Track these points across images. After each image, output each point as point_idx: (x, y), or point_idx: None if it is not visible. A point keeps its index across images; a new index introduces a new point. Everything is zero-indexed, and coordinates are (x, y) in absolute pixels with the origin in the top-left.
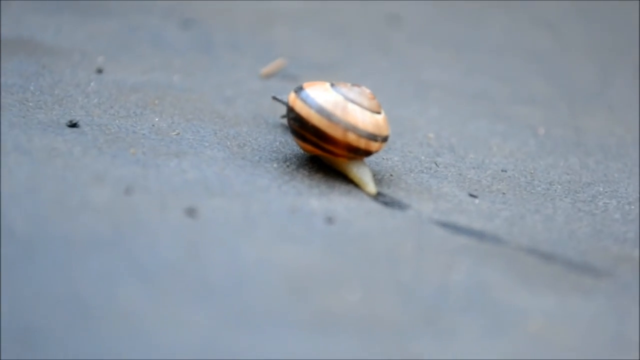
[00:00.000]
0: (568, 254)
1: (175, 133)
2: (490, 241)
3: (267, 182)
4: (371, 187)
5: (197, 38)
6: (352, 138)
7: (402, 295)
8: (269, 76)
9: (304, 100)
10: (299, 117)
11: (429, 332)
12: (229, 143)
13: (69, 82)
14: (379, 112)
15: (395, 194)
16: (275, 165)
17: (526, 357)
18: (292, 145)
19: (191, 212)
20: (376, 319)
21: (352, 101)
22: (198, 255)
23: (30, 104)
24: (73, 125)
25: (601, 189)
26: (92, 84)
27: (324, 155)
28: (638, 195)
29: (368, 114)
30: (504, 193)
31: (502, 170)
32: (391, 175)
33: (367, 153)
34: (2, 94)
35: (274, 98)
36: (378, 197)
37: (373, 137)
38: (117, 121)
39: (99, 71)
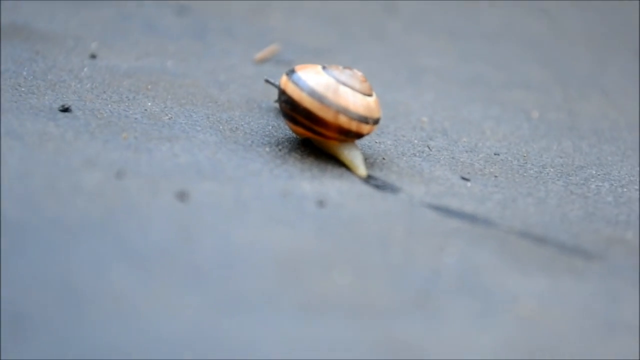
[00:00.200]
0: (560, 236)
1: (167, 117)
2: (482, 224)
3: (259, 166)
4: (362, 170)
5: (192, 24)
6: (343, 120)
7: (394, 278)
8: (262, 61)
9: (296, 83)
10: (290, 100)
11: (421, 316)
12: (221, 127)
13: (62, 67)
14: (370, 95)
15: (387, 177)
16: (267, 149)
17: (518, 339)
18: (284, 129)
19: (182, 196)
20: (367, 302)
21: (344, 84)
22: (189, 239)
23: (23, 89)
24: (65, 110)
25: (594, 172)
26: (85, 69)
27: (315, 137)
28: (630, 178)
29: (359, 96)
30: (496, 176)
31: (495, 154)
32: (383, 158)
33: (359, 135)
34: None
35: (267, 81)
36: (369, 180)
37: (364, 120)
38: (109, 106)
39: (93, 57)
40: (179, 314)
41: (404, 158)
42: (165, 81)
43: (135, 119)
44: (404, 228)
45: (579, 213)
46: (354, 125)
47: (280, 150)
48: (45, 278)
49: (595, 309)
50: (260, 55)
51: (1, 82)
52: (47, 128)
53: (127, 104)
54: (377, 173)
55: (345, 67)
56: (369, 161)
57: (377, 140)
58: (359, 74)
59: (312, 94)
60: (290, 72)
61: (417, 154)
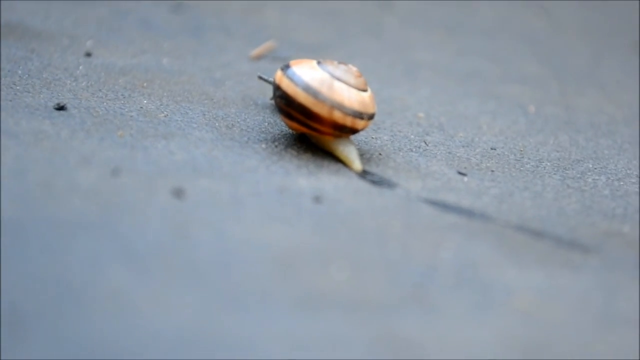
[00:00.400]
0: (557, 230)
1: (163, 115)
2: (479, 218)
3: (255, 163)
4: (357, 165)
5: (187, 21)
6: (338, 116)
7: (391, 273)
8: (258, 58)
9: (291, 78)
10: (285, 95)
11: (418, 310)
12: (217, 124)
13: (57, 65)
14: (365, 90)
15: (384, 173)
16: (263, 145)
17: (515, 333)
18: (280, 126)
19: (179, 193)
20: (364, 298)
21: (339, 79)
22: (186, 236)
23: (18, 87)
24: (61, 108)
25: (590, 166)
26: (80, 67)
27: (310, 133)
28: (626, 171)
29: (354, 91)
30: (493, 171)
31: (492, 148)
32: (380, 154)
33: (353, 131)
34: None
35: (260, 77)
36: (366, 175)
37: (359, 115)
38: (105, 104)
39: (88, 55)
40: (176, 311)
41: (401, 153)
42: (161, 79)
43: (131, 116)
44: (401, 223)
45: (575, 207)
46: (348, 121)
47: (276, 146)
48: (42, 276)
49: (592, 303)
50: (256, 52)
51: None
52: (43, 126)
53: (122, 101)
54: (373, 168)
55: (340, 62)
56: (365, 157)
57: (373, 136)
58: (354, 69)
59: (307, 89)
60: (285, 67)
61: (414, 149)
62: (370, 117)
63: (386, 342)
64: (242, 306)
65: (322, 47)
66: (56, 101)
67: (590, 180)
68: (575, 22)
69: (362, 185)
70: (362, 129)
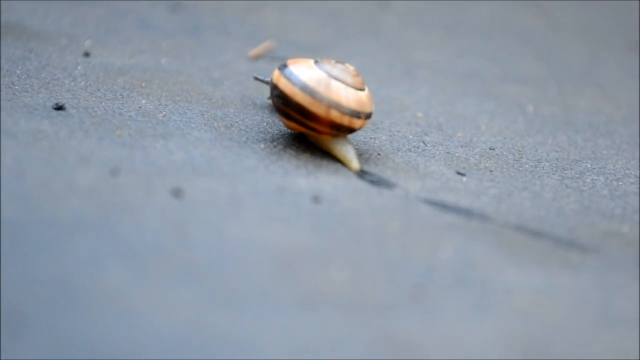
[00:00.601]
0: (556, 230)
1: (162, 115)
2: (477, 219)
3: (254, 163)
4: (355, 164)
5: (185, 21)
6: (335, 115)
7: (390, 273)
8: (257, 58)
9: (288, 78)
10: (282, 95)
11: (417, 310)
12: (216, 124)
13: (55, 65)
14: (362, 89)
15: (383, 173)
16: (262, 145)
17: (514, 333)
18: (279, 126)
19: (177, 193)
20: (363, 298)
21: (336, 78)
22: (185, 235)
23: (17, 87)
24: (59, 108)
25: (589, 166)
26: (79, 67)
27: (308, 132)
28: (625, 171)
29: (351, 91)
30: (491, 171)
31: (490, 149)
32: (379, 154)
33: (351, 130)
34: None
35: (256, 78)
36: (365, 175)
37: (356, 114)
38: (103, 104)
39: (86, 54)
40: (174, 311)
41: (399, 153)
42: (160, 78)
43: (130, 116)
44: (400, 223)
45: (574, 207)
46: (346, 120)
47: (275, 146)
48: (40, 276)
49: (591, 302)
50: (254, 51)
51: None
52: (41, 126)
53: (121, 101)
54: (372, 169)
55: (337, 62)
56: (364, 157)
57: (372, 136)
58: (351, 68)
59: (304, 88)
60: (283, 67)
61: (413, 149)
62: (368, 116)
63: (385, 342)
64: (241, 306)
65: (320, 47)
66: (55, 101)
67: (589, 180)
68: (573, 22)
69: (361, 185)
70: (359, 128)
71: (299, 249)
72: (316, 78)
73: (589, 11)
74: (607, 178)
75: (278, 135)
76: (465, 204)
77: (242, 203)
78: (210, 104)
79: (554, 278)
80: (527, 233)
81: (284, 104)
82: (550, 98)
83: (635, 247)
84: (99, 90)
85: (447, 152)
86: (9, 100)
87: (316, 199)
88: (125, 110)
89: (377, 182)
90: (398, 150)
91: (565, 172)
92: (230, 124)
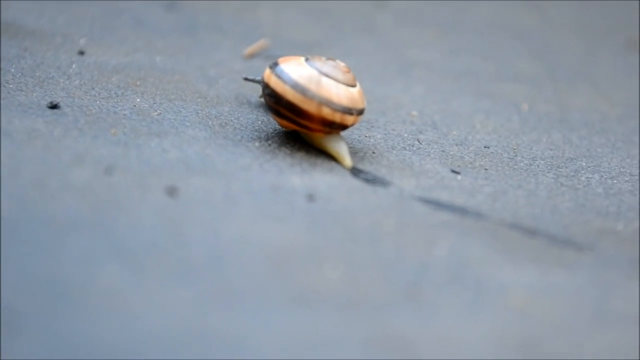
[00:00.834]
0: (550, 228)
1: (156, 113)
2: (472, 217)
3: (248, 161)
4: (348, 161)
5: (180, 20)
6: (326, 112)
7: (384, 271)
8: (252, 57)
9: (279, 76)
10: (274, 93)
11: (412, 308)
12: (210, 123)
13: (50, 64)
14: (354, 86)
15: (378, 171)
16: (257, 144)
17: (509, 331)
18: (273, 124)
19: (172, 191)
20: (358, 296)
21: (327, 75)
22: (179, 234)
23: (11, 86)
24: (54, 106)
25: (584, 164)
26: (73, 66)
27: (300, 130)
28: (620, 169)
29: (342, 87)
30: (486, 169)
31: (485, 147)
32: (373, 152)
33: (343, 127)
34: None
35: (246, 79)
36: (359, 173)
37: (348, 111)
38: (98, 102)
39: (81, 53)
40: (170, 309)
41: (394, 152)
42: (154, 77)
43: (124, 115)
44: (395, 221)
45: (569, 205)
46: (337, 117)
47: (269, 145)
48: (36, 275)
49: (586, 300)
50: (249, 50)
51: None
52: (36, 125)
53: (115, 100)
54: (367, 167)
55: (328, 59)
56: (359, 155)
57: (367, 134)
58: (342, 64)
59: (295, 86)
60: (273, 65)
61: (407, 148)
62: (360, 112)
63: (380, 339)
64: (236, 304)
65: (315, 46)
66: (49, 100)
67: (583, 178)
68: (568, 20)
69: (356, 183)
70: (351, 125)
71: (293, 247)
72: (307, 75)
73: (584, 9)
74: (602, 176)
75: (273, 134)
76: (460, 202)
77: (237, 201)
78: (205, 103)
79: (548, 276)
80: (522, 231)
81: (275, 102)
82: (545, 96)
83: (630, 245)
84: (93, 88)
85: (442, 151)
86: (3, 99)
87: (311, 197)
88: (119, 108)
89: (372, 180)
90: (393, 149)
91: (560, 170)
92: (225, 123)
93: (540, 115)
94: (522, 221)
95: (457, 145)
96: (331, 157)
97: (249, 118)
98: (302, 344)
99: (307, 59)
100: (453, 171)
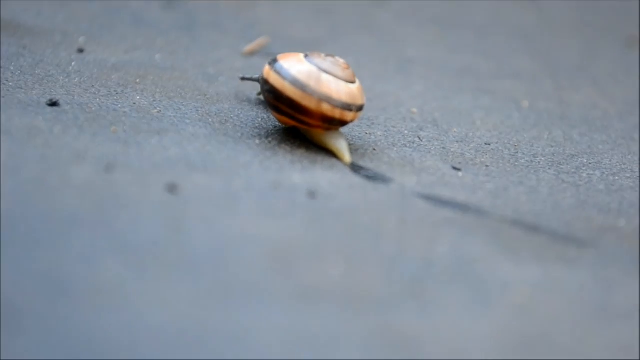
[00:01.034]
0: (552, 225)
1: (156, 111)
2: (474, 213)
3: (249, 158)
4: (347, 157)
5: (180, 17)
6: (326, 108)
7: (386, 268)
8: (251, 54)
9: (278, 72)
10: (273, 89)
11: (413, 305)
12: (210, 120)
13: (49, 62)
14: (353, 82)
15: (378, 168)
16: (257, 141)
17: (511, 327)
18: (274, 121)
19: (172, 188)
20: (359, 292)
21: (326, 71)
22: (180, 231)
23: (10, 84)
24: (53, 104)
25: (585, 161)
26: (73, 63)
27: (300, 126)
28: (621, 166)
29: (342, 83)
30: (487, 166)
31: (486, 144)
32: (374, 149)
33: (343, 123)
34: None
35: (243, 78)
36: (360, 170)
37: (347, 107)
38: (98, 100)
39: (80, 51)
40: (170, 305)
41: (395, 149)
42: (154, 74)
43: (124, 112)
44: (396, 218)
45: (570, 201)
46: (337, 113)
47: (270, 142)
48: (36, 272)
49: (587, 297)
50: (249, 47)
51: None
52: (36, 122)
53: (115, 97)
54: (368, 164)
55: (327, 55)
56: (359, 152)
57: (367, 132)
58: (341, 61)
59: (295, 82)
60: (273, 62)
61: (408, 145)
62: (359, 108)
63: (382, 336)
64: (237, 300)
65: (315, 43)
66: (49, 97)
67: (585, 175)
68: (567, 18)
69: (357, 180)
70: (351, 121)
71: (294, 243)
72: (306, 72)
73: (583, 6)
74: (603, 173)
75: (273, 131)
76: (462, 199)
77: (238, 198)
78: (205, 100)
79: (550, 272)
80: (524, 228)
81: (275, 99)
82: (545, 93)
83: (632, 241)
84: (93, 86)
85: (443, 147)
86: (3, 97)
87: (312, 194)
88: (119, 106)
89: (373, 177)
90: (394, 146)
91: (561, 167)
92: (225, 120)
93: (541, 112)
94: (523, 218)
95: (457, 142)
96: (331, 154)
97: (249, 115)
98: (303, 340)
99: (306, 56)
100: (454, 168)
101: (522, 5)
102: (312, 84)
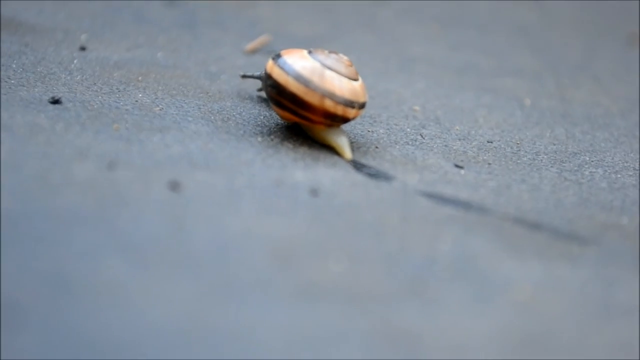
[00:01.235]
0: (555, 222)
1: (158, 109)
2: (476, 211)
3: (251, 156)
4: (348, 154)
5: (182, 15)
6: (329, 105)
7: (388, 265)
8: (253, 52)
9: (282, 67)
10: (276, 84)
11: (416, 302)
12: (213, 118)
13: (51, 59)
14: (356, 79)
15: (381, 166)
16: (259, 138)
17: (514, 325)
18: (276, 119)
19: (175, 186)
20: (362, 290)
21: (329, 68)
22: (182, 228)
23: (12, 81)
24: (55, 101)
25: (587, 159)
26: (75, 61)
27: (302, 122)
28: (623, 164)
29: (345, 80)
30: (489, 163)
31: (488, 141)
32: (376, 147)
33: (345, 120)
34: None
35: (244, 76)
36: (363, 168)
37: (350, 104)
38: (100, 97)
39: (82, 49)
40: (173, 303)
41: (397, 146)
42: (156, 72)
43: (126, 110)
44: (398, 216)
45: (573, 199)
46: (339, 110)
47: (272, 139)
48: (39, 269)
49: (590, 294)
50: (250, 45)
51: None
52: (38, 120)
53: (117, 95)
54: (370, 161)
55: (330, 52)
56: (361, 150)
57: (369, 129)
58: (345, 58)
59: (298, 78)
60: (276, 57)
61: (410, 142)
62: (362, 106)
63: (384, 333)
64: (239, 298)
65: (317, 41)
66: (51, 95)
67: (587, 172)
68: (568, 16)
69: (359, 178)
70: (353, 118)
71: (297, 241)
72: (310, 67)
73: (585, 5)
74: (606, 170)
75: (275, 129)
76: (464, 197)
77: (240, 196)
78: (207, 98)
79: (553, 270)
80: (526, 225)
81: (277, 94)
82: (547, 91)
83: (634, 239)
84: (95, 84)
85: (445, 145)
86: (5, 94)
87: (314, 192)
88: (121, 104)
89: (375, 174)
90: (396, 143)
91: (564, 164)
92: (227, 118)
93: (543, 110)
94: (526, 215)
95: (460, 140)
96: (332, 150)
97: (252, 113)
98: (305, 337)
99: (310, 52)
100: (456, 166)
101: (524, 3)
102: (315, 79)
